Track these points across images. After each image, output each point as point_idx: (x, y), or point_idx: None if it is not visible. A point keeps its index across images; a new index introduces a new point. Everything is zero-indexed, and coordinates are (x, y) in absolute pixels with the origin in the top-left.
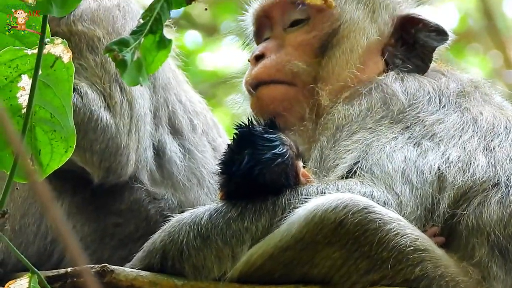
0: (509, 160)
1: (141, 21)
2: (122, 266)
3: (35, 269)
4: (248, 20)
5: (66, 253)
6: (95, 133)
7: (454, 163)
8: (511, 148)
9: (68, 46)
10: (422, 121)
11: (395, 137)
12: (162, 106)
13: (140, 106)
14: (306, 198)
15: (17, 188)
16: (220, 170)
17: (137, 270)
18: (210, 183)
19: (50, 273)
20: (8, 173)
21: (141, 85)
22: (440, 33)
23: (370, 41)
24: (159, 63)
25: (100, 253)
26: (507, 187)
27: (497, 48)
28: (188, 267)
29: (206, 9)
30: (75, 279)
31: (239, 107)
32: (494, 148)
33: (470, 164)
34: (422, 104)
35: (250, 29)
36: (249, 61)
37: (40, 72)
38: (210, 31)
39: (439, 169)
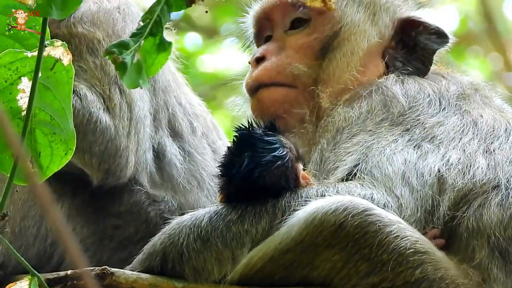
0: (509, 162)
1: (141, 23)
2: (121, 268)
3: (35, 272)
4: (248, 22)
5: (66, 255)
6: (94, 135)
7: (454, 165)
8: (511, 151)
9: (68, 48)
10: (422, 123)
11: (395, 139)
12: (162, 109)
13: (140, 108)
14: (306, 201)
15: (17, 191)
16: (220, 173)
17: (137, 273)
18: (210, 185)
19: (50, 275)
20: (8, 175)
21: (141, 88)
22: (440, 36)
23: (371, 43)
24: (159, 66)
25: (100, 255)
26: (507, 189)
27: (497, 51)
28: (188, 269)
29: (206, 12)
30: (75, 281)
31: (239, 109)
32: (494, 151)
33: (470, 166)
34: (422, 106)
35: (251, 31)
36: (249, 63)
37: (40, 74)
38: (210, 33)
39: (439, 171)
